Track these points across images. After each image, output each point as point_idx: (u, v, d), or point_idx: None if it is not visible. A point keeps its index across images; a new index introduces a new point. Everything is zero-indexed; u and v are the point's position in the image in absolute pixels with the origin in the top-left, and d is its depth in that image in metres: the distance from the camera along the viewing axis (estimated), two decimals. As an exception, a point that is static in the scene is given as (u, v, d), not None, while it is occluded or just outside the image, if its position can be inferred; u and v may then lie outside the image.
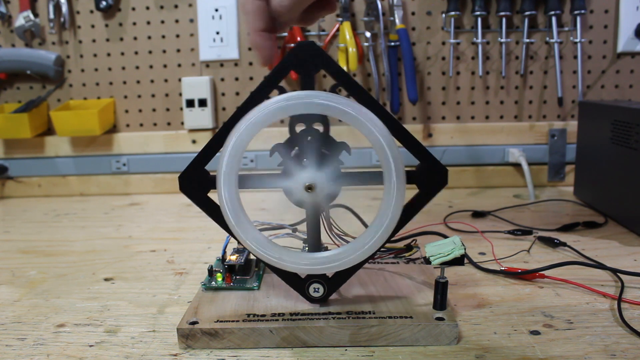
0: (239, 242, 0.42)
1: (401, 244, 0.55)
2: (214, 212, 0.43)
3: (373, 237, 0.41)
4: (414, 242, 0.55)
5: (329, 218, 0.47)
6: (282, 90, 0.42)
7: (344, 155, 0.44)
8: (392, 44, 0.91)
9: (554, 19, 0.88)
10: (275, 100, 0.39)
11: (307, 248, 0.49)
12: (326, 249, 0.46)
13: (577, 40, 0.89)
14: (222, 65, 0.96)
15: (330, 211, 0.47)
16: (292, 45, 0.91)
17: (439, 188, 0.43)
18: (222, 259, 0.51)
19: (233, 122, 0.41)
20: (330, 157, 0.43)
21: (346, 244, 0.43)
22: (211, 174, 0.43)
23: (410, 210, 0.43)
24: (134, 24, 0.96)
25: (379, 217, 0.41)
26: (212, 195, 0.44)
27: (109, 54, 0.97)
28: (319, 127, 0.44)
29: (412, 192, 0.43)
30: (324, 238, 0.46)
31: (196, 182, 0.44)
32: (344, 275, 0.44)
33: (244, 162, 0.96)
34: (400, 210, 0.41)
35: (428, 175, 0.43)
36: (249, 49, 0.95)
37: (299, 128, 0.44)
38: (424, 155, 0.43)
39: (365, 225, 0.51)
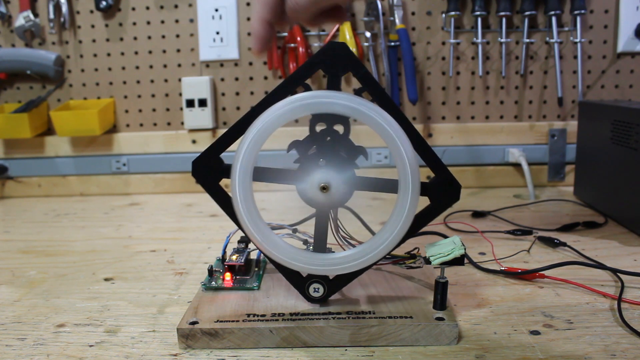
0: (245, 235, 0.42)
1: (403, 251, 0.55)
2: (224, 201, 0.43)
3: (382, 244, 0.41)
4: (416, 250, 0.55)
5: (336, 220, 0.47)
6: (307, 88, 0.41)
7: (361, 159, 0.44)
8: (392, 44, 0.91)
9: (554, 19, 0.88)
10: (303, 97, 0.39)
11: (311, 248, 0.49)
12: (329, 250, 0.46)
13: (577, 40, 0.89)
14: (222, 65, 0.96)
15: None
16: (293, 45, 0.91)
17: (451, 203, 0.43)
18: (222, 259, 0.51)
19: (254, 114, 0.41)
20: (347, 160, 0.43)
21: (355, 248, 0.43)
22: (226, 163, 0.43)
23: (420, 221, 0.43)
24: (134, 24, 0.96)
25: (389, 224, 0.41)
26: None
27: (109, 54, 0.97)
28: (339, 129, 0.44)
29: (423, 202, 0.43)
30: (329, 239, 0.46)
31: (210, 169, 0.43)
32: (345, 278, 0.44)
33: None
34: (411, 220, 0.41)
35: (441, 189, 0.43)
36: (249, 48, 0.95)
37: (319, 127, 0.43)
38: (440, 169, 0.43)
39: (368, 228, 0.51)
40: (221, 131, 0.94)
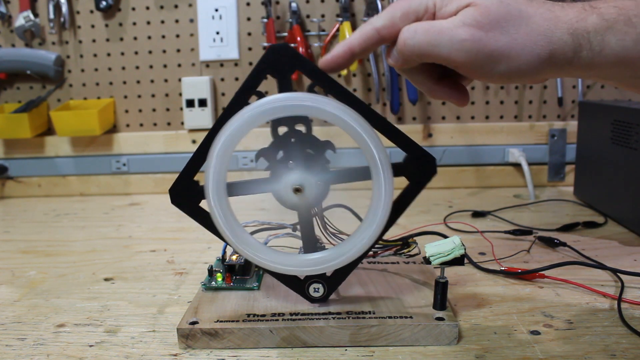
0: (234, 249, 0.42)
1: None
2: (208, 221, 0.43)
3: (366, 233, 0.41)
4: (411, 238, 0.55)
5: (322, 217, 0.47)
6: (260, 95, 0.41)
7: (344, 154, 0.44)
8: (392, 44, 0.90)
9: (554, 19, 0.88)
10: (253, 107, 0.39)
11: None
12: (323, 247, 0.46)
13: (577, 40, 0.89)
14: (222, 65, 0.96)
15: (330, 211, 0.47)
16: (293, 45, 0.91)
17: (429, 178, 0.43)
18: (222, 259, 0.51)
19: (215, 132, 0.40)
20: (316, 157, 0.43)
21: (340, 243, 0.43)
22: (201, 184, 0.43)
23: (401, 203, 0.43)
24: (134, 24, 0.96)
25: (370, 212, 0.41)
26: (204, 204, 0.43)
27: (109, 54, 0.97)
28: (302, 128, 0.44)
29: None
30: (322, 237, 0.46)
31: (186, 193, 0.43)
32: (342, 274, 0.44)
33: (244, 162, 0.96)
34: (390, 203, 0.41)
35: (416, 166, 0.43)
36: (249, 48, 0.95)
37: (282, 130, 0.43)
38: (411, 146, 0.42)
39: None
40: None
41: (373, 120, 0.41)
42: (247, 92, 0.42)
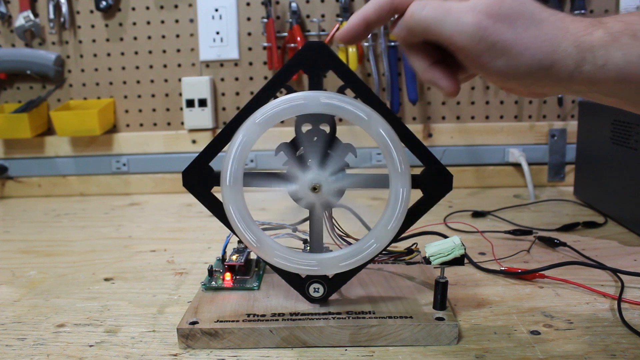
0: (239, 241, 0.42)
1: (401, 247, 0.55)
2: (217, 209, 0.43)
3: (377, 240, 0.41)
4: (414, 245, 0.55)
5: (331, 219, 0.47)
6: (289, 90, 0.41)
7: (351, 156, 0.44)
8: (392, 44, 0.90)
9: (554, 19, 0.88)
10: (284, 100, 0.39)
11: (308, 248, 0.49)
12: (327, 249, 0.46)
13: (577, 40, 0.89)
14: (222, 65, 0.96)
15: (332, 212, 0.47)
16: (293, 45, 0.91)
17: (444, 193, 0.43)
18: (222, 259, 0.51)
19: (239, 120, 0.41)
20: (336, 159, 0.43)
21: (350, 246, 0.43)
22: (215, 170, 0.43)
23: (413, 214, 0.43)
24: (134, 24, 0.96)
25: (383, 219, 0.41)
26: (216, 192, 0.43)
27: (109, 54, 0.97)
28: (325, 128, 0.44)
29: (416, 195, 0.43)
30: (326, 238, 0.46)
31: (200, 178, 0.43)
32: (344, 276, 0.44)
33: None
34: (404, 214, 0.41)
35: (433, 180, 0.43)
36: (249, 48, 0.95)
37: (305, 128, 0.43)
38: (430, 160, 0.43)
39: (367, 227, 0.51)
40: (221, 131, 0.94)
41: (397, 128, 0.41)
42: (277, 85, 0.42)
